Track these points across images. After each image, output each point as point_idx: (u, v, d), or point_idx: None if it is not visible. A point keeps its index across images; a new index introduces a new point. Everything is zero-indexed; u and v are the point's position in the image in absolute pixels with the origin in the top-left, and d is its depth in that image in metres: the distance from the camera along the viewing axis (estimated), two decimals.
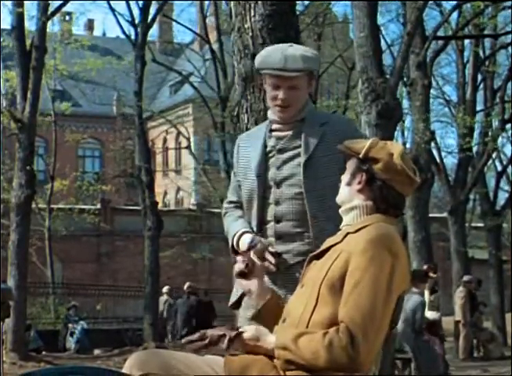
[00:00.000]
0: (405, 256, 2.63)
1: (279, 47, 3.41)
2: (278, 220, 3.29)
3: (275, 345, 2.52)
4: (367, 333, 2.43)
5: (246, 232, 3.31)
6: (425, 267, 10.01)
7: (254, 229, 3.32)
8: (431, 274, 9.56)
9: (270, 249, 3.24)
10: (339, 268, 2.54)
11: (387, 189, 2.67)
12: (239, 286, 3.01)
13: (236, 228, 3.37)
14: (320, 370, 2.44)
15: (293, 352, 2.47)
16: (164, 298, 19.78)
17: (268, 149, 3.35)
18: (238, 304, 3.45)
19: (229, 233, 3.41)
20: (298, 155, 3.29)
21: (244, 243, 3.28)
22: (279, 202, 3.29)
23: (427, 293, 9.52)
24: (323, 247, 2.71)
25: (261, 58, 3.34)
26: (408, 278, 2.66)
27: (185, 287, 18.63)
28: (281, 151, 3.32)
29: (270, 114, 3.43)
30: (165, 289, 20.09)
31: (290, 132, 3.33)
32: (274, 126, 3.39)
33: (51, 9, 16.97)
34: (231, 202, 3.51)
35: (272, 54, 3.29)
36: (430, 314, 9.41)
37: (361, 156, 2.70)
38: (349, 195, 2.75)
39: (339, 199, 2.80)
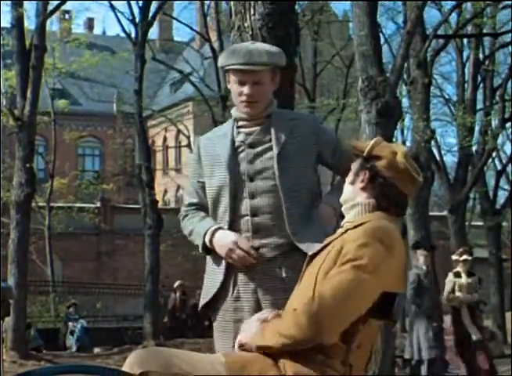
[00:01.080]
0: (402, 255, 2.62)
1: (242, 44, 3.46)
2: (254, 214, 3.23)
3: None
4: (335, 307, 2.45)
5: (220, 228, 3.25)
6: (460, 250, 10.04)
7: (226, 224, 3.25)
8: (465, 256, 9.57)
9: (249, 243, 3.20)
10: (333, 257, 2.58)
11: (389, 186, 2.70)
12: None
13: (206, 225, 3.30)
14: (288, 341, 2.46)
15: (269, 332, 2.53)
16: None
17: (237, 144, 3.30)
18: (209, 308, 3.34)
19: (197, 233, 3.33)
20: (270, 149, 3.25)
21: (223, 241, 3.20)
22: (254, 196, 3.23)
23: (464, 276, 9.51)
24: (323, 244, 2.73)
25: (226, 55, 3.32)
26: (403, 280, 2.65)
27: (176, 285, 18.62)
28: (251, 145, 3.29)
29: (235, 112, 3.38)
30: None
31: (258, 127, 3.31)
32: (240, 123, 3.35)
33: (50, 8, 16.95)
34: (191, 204, 3.43)
35: (237, 50, 3.29)
36: (468, 297, 9.39)
37: (365, 154, 2.74)
38: (352, 193, 2.78)
39: (342, 198, 2.84)
